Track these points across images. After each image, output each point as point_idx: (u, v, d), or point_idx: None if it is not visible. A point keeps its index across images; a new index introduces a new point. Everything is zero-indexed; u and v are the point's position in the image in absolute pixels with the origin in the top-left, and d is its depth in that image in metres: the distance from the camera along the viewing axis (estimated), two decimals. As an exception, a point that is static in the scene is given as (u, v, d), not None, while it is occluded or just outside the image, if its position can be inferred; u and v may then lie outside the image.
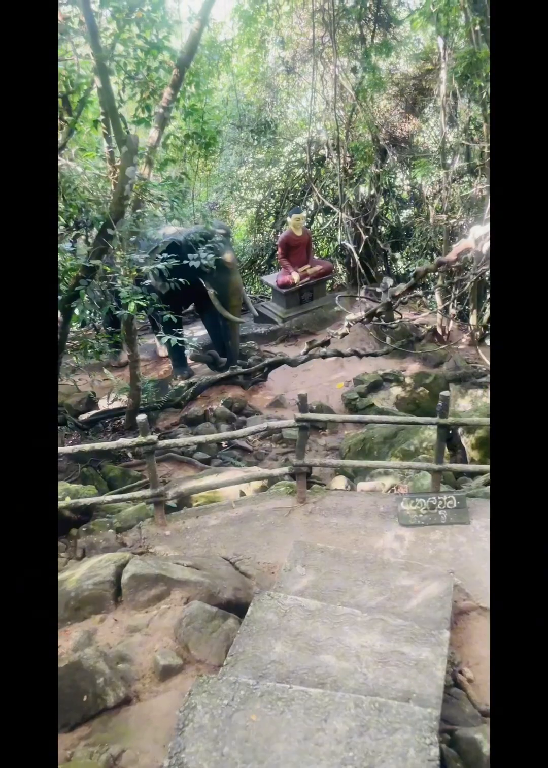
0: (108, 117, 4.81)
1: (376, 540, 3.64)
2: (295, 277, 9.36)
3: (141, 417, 4.01)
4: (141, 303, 4.76)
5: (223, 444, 6.33)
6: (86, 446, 4.17)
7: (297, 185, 12.07)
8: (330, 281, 10.82)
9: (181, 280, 7.46)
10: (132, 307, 4.64)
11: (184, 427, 6.85)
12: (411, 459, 5.54)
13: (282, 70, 10.03)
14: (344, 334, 6.82)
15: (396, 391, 7.93)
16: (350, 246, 9.72)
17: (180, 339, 7.88)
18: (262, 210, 12.37)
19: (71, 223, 6.26)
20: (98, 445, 4.26)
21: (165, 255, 6.58)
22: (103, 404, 7.75)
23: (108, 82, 4.66)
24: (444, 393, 4.08)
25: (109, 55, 4.68)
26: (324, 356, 7.00)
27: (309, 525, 3.88)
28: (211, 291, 7.25)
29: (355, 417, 4.88)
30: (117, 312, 5.27)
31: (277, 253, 9.82)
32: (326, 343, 7.06)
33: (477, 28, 7.38)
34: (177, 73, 4.87)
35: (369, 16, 9.65)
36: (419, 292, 8.88)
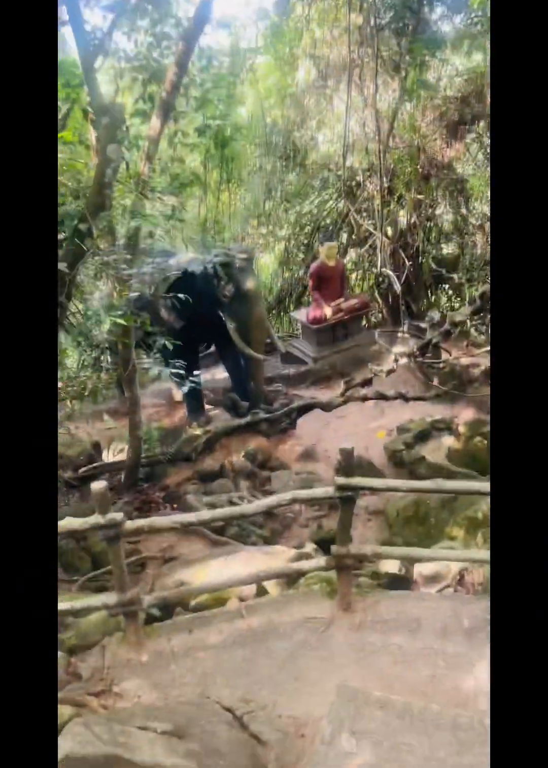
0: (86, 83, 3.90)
1: (464, 678, 2.43)
2: (328, 311, 8.32)
3: (97, 485, 2.85)
4: (121, 321, 3.73)
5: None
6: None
7: (329, 219, 11.19)
8: (367, 318, 9.77)
9: (197, 311, 6.53)
10: (106, 325, 3.63)
11: (196, 483, 5.76)
12: (482, 530, 4.33)
13: (316, 89, 9.19)
14: (390, 371, 5.71)
15: (448, 441, 6.71)
16: (390, 273, 8.66)
17: (194, 381, 6.88)
18: (291, 244, 11.48)
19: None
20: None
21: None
22: (109, 456, 6.73)
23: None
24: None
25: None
26: (364, 399, 5.89)
27: (358, 649, 2.67)
28: (230, 325, 6.25)
29: (419, 484, 3.69)
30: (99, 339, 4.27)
31: (308, 285, 8.82)
32: (367, 383, 5.95)
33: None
34: (183, 48, 3.97)
35: (408, 31, 8.87)
36: (469, 326, 7.73)
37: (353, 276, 12.26)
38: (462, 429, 6.66)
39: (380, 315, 10.48)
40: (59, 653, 2.68)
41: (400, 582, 3.82)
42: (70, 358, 7.14)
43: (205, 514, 3.52)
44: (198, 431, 6.43)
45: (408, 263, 9.08)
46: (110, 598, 2.89)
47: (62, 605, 2.70)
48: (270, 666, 2.65)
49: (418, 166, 9.34)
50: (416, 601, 3.16)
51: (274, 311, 11.45)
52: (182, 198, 5.39)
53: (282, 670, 2.62)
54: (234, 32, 8.46)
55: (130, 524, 2.91)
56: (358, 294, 9.61)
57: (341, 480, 3.03)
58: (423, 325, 7.95)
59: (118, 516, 2.79)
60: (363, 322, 9.39)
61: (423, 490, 3.79)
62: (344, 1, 7.97)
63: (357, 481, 3.10)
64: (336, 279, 8.53)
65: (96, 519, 2.76)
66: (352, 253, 11.73)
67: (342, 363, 8.49)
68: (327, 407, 5.91)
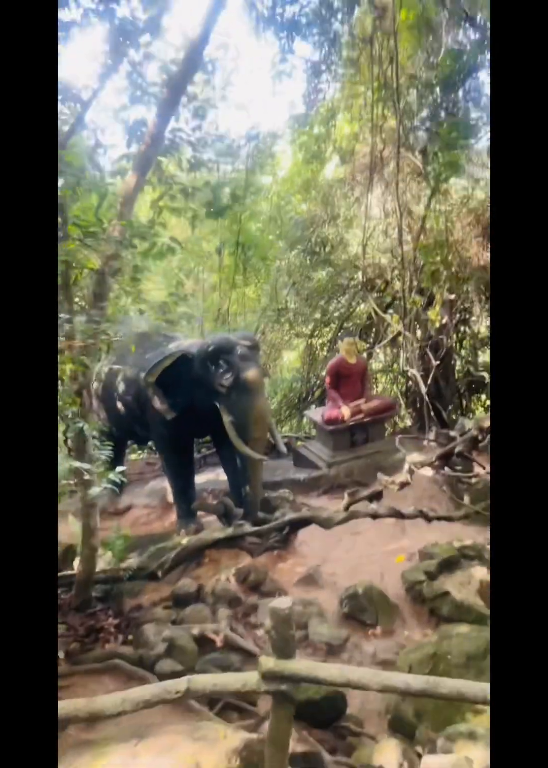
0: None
1: None
2: (345, 412, 7.48)
3: None
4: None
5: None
6: None
7: (356, 317, 10.63)
8: (392, 423, 8.88)
9: (193, 401, 5.79)
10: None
11: (169, 607, 4.74)
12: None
13: (345, 184, 8.86)
14: (404, 484, 4.75)
15: (479, 573, 5.54)
16: (416, 373, 7.84)
17: (184, 481, 6.02)
18: (316, 342, 10.89)
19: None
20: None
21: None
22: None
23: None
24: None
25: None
26: (374, 516, 4.89)
27: None
28: (226, 418, 5.46)
29: (397, 679, 2.40)
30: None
31: (325, 382, 8.05)
32: (376, 497, 4.97)
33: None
34: (168, 95, 3.45)
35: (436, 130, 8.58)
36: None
37: (383, 379, 11.54)
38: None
39: (408, 421, 9.59)
40: None
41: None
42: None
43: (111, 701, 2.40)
44: (184, 541, 5.48)
45: (436, 363, 8.26)
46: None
47: None
48: None
49: (452, 268, 8.79)
50: None
51: (292, 411, 10.71)
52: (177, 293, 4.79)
53: None
54: (252, 115, 8.33)
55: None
56: (381, 396, 8.78)
57: (269, 664, 2.06)
58: (452, 433, 7.01)
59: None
60: (387, 429, 8.50)
61: (404, 693, 2.69)
62: (377, 97, 7.73)
63: (296, 667, 2.12)
64: (356, 377, 7.76)
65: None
66: (382, 355, 11.07)
67: (360, 470, 7.50)
68: (326, 524, 4.92)
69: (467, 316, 9.53)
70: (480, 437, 6.76)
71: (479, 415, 5.06)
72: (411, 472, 4.65)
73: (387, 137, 8.43)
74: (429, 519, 5.13)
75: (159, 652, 3.63)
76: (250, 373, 5.39)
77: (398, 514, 4.91)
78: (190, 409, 5.73)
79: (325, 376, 7.99)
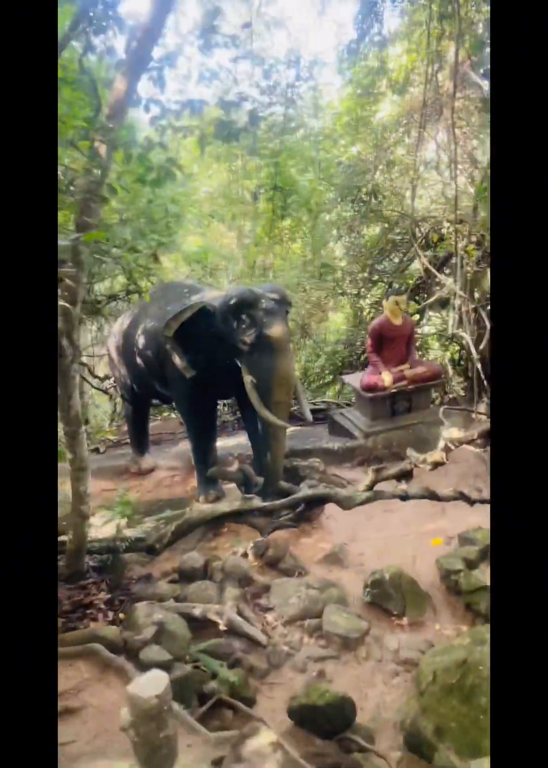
0: None
1: None
2: (387, 378, 6.83)
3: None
4: None
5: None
6: None
7: (410, 278, 9.80)
8: (438, 392, 8.16)
9: (213, 358, 5.30)
10: None
11: (175, 582, 4.34)
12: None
13: (401, 127, 7.95)
14: (437, 464, 4.12)
15: (527, 564, 4.95)
16: (466, 335, 7.08)
17: (205, 444, 5.59)
18: (362, 302, 10.16)
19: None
20: None
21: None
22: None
23: None
24: None
25: None
26: (403, 497, 4.29)
27: None
28: (247, 378, 4.95)
29: None
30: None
31: (367, 345, 7.38)
32: (406, 476, 4.37)
33: None
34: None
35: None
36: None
37: (435, 344, 10.72)
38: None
39: (461, 391, 8.81)
40: None
41: None
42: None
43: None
44: (204, 507, 5.07)
45: (491, 327, 7.43)
46: None
47: None
48: None
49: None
50: None
51: (335, 375, 10.09)
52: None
53: None
54: (293, 36, 7.46)
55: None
56: (427, 362, 8.04)
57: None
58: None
59: None
60: (435, 398, 7.80)
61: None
62: (439, 25, 6.81)
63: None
64: (401, 340, 7.07)
65: None
66: (435, 318, 10.25)
67: (400, 442, 6.86)
68: (346, 504, 4.35)
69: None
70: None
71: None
72: (447, 449, 4.02)
73: (449, 72, 7.49)
74: (471, 502, 4.50)
75: (146, 637, 3.22)
76: (275, 330, 4.83)
77: (433, 496, 4.30)
78: (212, 367, 5.25)
79: (367, 338, 7.33)
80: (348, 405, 8.46)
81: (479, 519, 5.71)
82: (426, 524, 5.85)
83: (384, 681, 3.63)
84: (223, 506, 4.30)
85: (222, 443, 7.73)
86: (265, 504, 4.32)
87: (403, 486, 4.49)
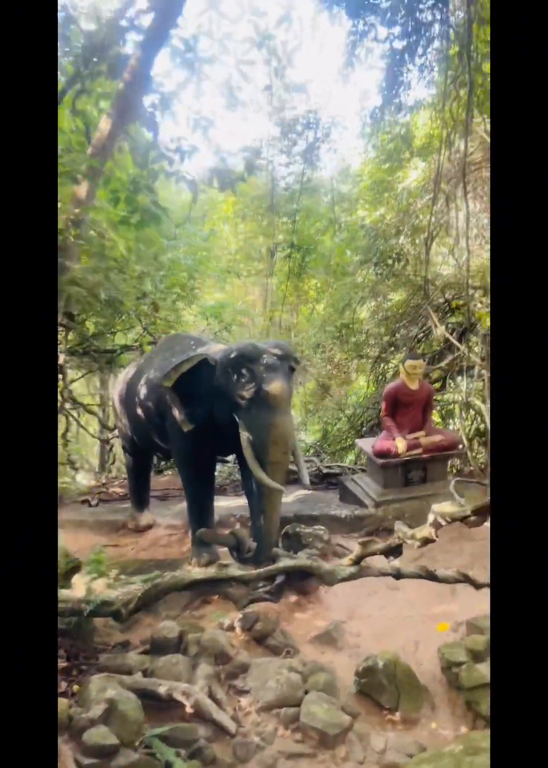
0: None
1: None
2: (400, 445, 6.50)
3: None
4: None
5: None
6: None
7: (435, 344, 9.55)
8: (455, 462, 7.75)
9: (213, 413, 5.12)
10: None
11: (146, 654, 4.00)
12: None
13: (426, 193, 7.89)
14: (427, 541, 3.74)
15: (542, 660, 4.45)
16: (482, 406, 6.73)
17: (201, 504, 5.36)
18: (386, 367, 9.93)
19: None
20: None
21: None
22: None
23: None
24: None
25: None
26: (396, 576, 3.91)
27: None
28: (244, 435, 4.71)
29: None
30: None
31: (381, 408, 7.09)
32: (394, 552, 3.99)
33: None
34: (154, 24, 2.79)
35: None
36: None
37: (458, 413, 10.33)
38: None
39: (474, 462, 8.36)
40: None
41: None
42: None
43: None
44: (195, 572, 4.74)
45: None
46: None
47: None
48: None
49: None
50: None
51: (353, 439, 9.77)
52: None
53: None
54: (312, 100, 7.53)
55: None
56: (445, 430, 7.67)
57: None
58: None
59: None
60: (451, 469, 7.40)
61: None
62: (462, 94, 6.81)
63: None
64: (417, 406, 6.76)
65: None
66: (463, 384, 9.91)
67: (413, 513, 6.44)
68: (328, 579, 3.98)
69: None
70: None
71: None
72: (437, 525, 3.66)
73: (477, 143, 7.45)
74: (477, 586, 4.08)
75: (94, 715, 2.90)
76: (273, 386, 4.61)
77: (431, 577, 3.91)
78: (211, 421, 5.05)
79: (382, 402, 7.05)
80: (363, 471, 8.12)
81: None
82: (434, 606, 5.37)
83: (364, 789, 3.19)
84: (198, 573, 3.99)
85: (228, 503, 7.46)
86: (242, 573, 3.99)
87: (395, 562, 4.12)
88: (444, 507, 3.69)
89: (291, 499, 7.54)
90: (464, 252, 8.33)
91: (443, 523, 3.62)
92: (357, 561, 3.95)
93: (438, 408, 9.38)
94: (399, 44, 6.33)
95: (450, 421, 9.90)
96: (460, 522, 3.79)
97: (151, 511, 6.80)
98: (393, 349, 9.63)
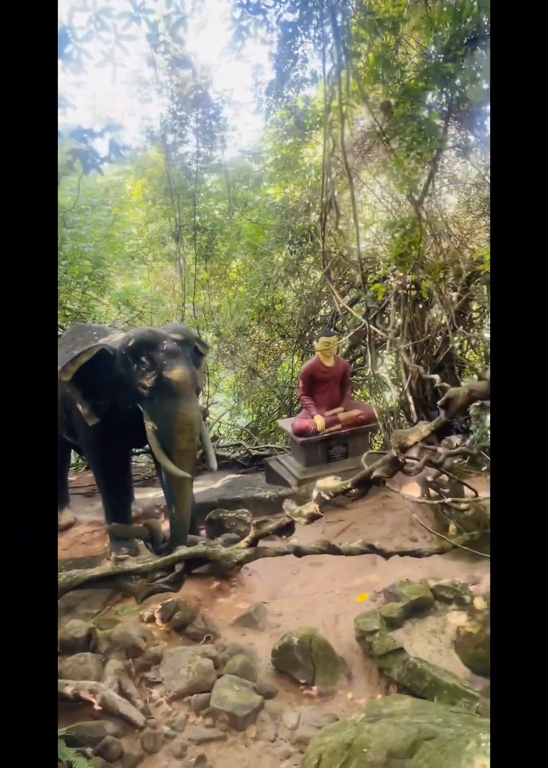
0: None
1: None
2: (319, 421, 6.53)
3: None
4: None
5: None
6: None
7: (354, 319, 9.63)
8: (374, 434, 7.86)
9: (117, 404, 4.98)
10: None
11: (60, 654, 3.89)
12: None
13: (336, 167, 7.81)
14: (313, 516, 3.75)
15: (457, 620, 4.55)
16: (386, 377, 6.83)
17: (115, 497, 5.24)
18: (309, 344, 9.95)
19: None
20: None
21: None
22: None
23: None
24: None
25: None
26: (298, 553, 3.91)
27: None
28: (148, 425, 4.60)
29: None
30: None
31: (299, 387, 7.09)
32: (285, 530, 3.99)
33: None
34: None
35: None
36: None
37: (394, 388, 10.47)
38: (481, 603, 4.53)
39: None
40: None
41: None
42: None
43: None
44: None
45: (426, 369, 7.19)
46: None
47: None
48: None
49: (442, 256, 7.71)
50: None
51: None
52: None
53: None
54: (198, 73, 7.35)
55: None
56: (363, 404, 7.76)
57: None
58: (440, 449, 5.97)
59: None
60: (372, 441, 7.49)
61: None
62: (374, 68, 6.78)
63: None
64: (334, 382, 6.80)
65: None
66: (388, 360, 10.04)
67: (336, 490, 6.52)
68: (224, 563, 3.95)
69: (471, 315, 8.44)
70: (470, 452, 5.78)
71: (419, 427, 3.84)
72: (320, 500, 3.67)
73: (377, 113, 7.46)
74: (386, 555, 4.13)
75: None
76: (175, 373, 4.50)
77: (333, 550, 3.92)
78: (116, 413, 4.91)
79: (299, 381, 7.06)
80: (287, 450, 8.14)
81: (411, 571, 5.35)
82: (355, 579, 5.46)
83: (272, 765, 3.19)
84: (93, 570, 3.88)
85: (157, 494, 7.32)
86: (138, 566, 3.91)
87: (294, 541, 4.12)
88: (326, 482, 3.71)
89: (218, 484, 7.49)
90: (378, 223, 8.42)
91: (326, 497, 3.63)
92: (252, 542, 3.92)
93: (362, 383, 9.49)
94: (290, 16, 6.23)
95: (380, 394, 10.04)
96: (342, 495, 3.80)
97: (71, 509, 6.60)
98: (316, 327, 9.66)
